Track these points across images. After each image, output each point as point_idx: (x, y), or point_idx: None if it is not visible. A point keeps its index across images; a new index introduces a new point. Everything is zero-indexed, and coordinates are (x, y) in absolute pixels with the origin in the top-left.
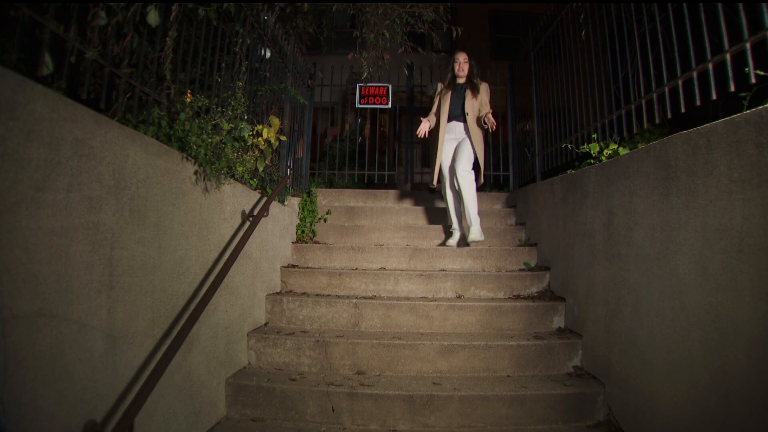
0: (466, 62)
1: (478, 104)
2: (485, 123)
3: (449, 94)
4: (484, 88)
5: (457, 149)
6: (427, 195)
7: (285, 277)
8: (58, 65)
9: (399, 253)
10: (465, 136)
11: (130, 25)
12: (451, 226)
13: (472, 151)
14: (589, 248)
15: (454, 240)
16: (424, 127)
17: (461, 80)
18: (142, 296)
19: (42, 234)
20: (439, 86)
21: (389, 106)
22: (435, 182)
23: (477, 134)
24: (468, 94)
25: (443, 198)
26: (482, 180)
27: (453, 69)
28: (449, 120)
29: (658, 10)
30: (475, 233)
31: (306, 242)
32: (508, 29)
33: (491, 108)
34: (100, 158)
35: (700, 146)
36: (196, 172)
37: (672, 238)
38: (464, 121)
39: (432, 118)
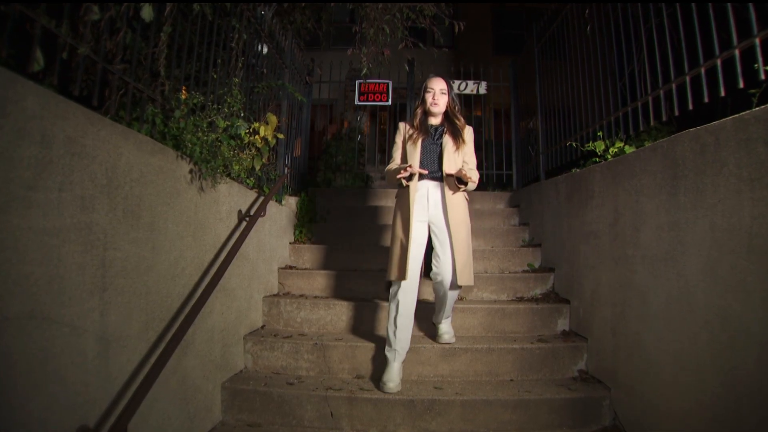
0: (444, 93)
1: (461, 159)
2: (460, 182)
3: (419, 141)
4: (468, 135)
5: (435, 247)
6: None
7: (282, 278)
8: (50, 61)
9: None
10: (443, 216)
11: (124, 21)
12: (389, 345)
13: (452, 256)
14: (594, 249)
15: (394, 374)
16: (410, 170)
17: (436, 119)
18: (136, 298)
19: (33, 234)
20: (402, 127)
21: (389, 103)
22: (394, 275)
23: (455, 209)
24: (448, 141)
25: (393, 301)
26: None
27: (424, 101)
28: (420, 179)
29: (666, 5)
30: (447, 333)
31: (304, 243)
32: (511, 24)
33: (476, 160)
34: (92, 157)
35: (709, 144)
36: (191, 171)
37: (679, 238)
38: (441, 182)
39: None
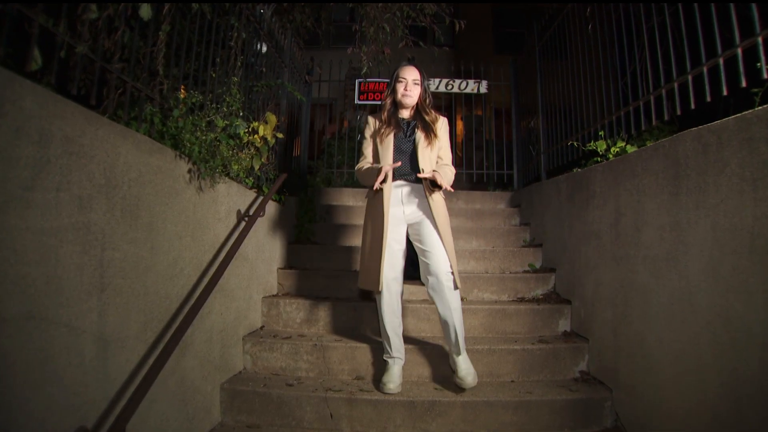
0: (416, 84)
1: (436, 154)
2: (434, 184)
3: (390, 136)
4: (442, 126)
5: (422, 238)
6: None
7: (282, 278)
8: (48, 60)
9: None
10: (425, 216)
11: (122, 19)
12: (387, 352)
13: (447, 255)
14: (595, 249)
15: (394, 376)
16: (382, 176)
17: (407, 113)
18: (134, 299)
19: (31, 234)
20: (372, 121)
21: None
22: (365, 283)
23: (438, 207)
24: (420, 137)
25: (378, 308)
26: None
27: (395, 92)
28: (393, 180)
29: (667, 4)
30: (471, 374)
31: (304, 243)
32: (512, 23)
33: (452, 155)
34: (90, 156)
35: (711, 144)
36: (189, 171)
37: (681, 238)
38: (414, 182)
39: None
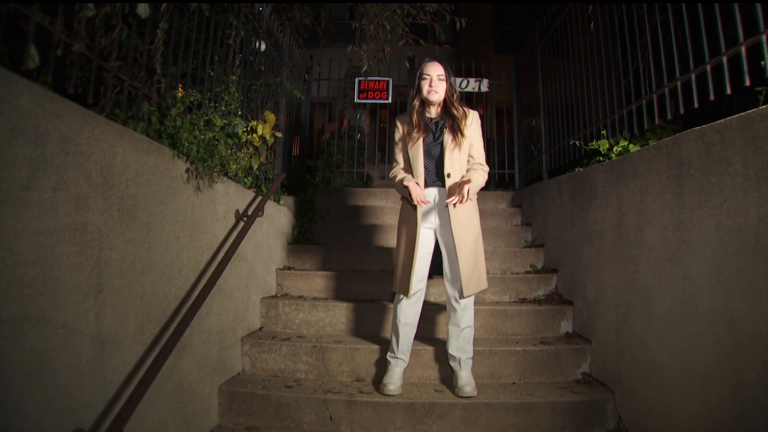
0: (441, 79)
1: (466, 154)
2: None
3: (419, 141)
4: (472, 122)
5: (443, 247)
6: None
7: (281, 279)
8: (44, 58)
9: None
10: (447, 226)
11: (119, 17)
12: (392, 351)
13: (458, 268)
14: (598, 249)
15: (395, 377)
16: (418, 193)
17: (434, 110)
18: (132, 299)
19: (27, 234)
20: (400, 125)
21: (389, 101)
22: (397, 288)
23: (463, 218)
24: (447, 138)
25: (395, 306)
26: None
27: (420, 90)
28: (425, 186)
29: (670, 3)
30: (470, 385)
31: (303, 243)
32: (514, 21)
33: (484, 152)
34: (87, 155)
35: (714, 143)
36: (187, 170)
37: (685, 238)
38: (443, 187)
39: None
